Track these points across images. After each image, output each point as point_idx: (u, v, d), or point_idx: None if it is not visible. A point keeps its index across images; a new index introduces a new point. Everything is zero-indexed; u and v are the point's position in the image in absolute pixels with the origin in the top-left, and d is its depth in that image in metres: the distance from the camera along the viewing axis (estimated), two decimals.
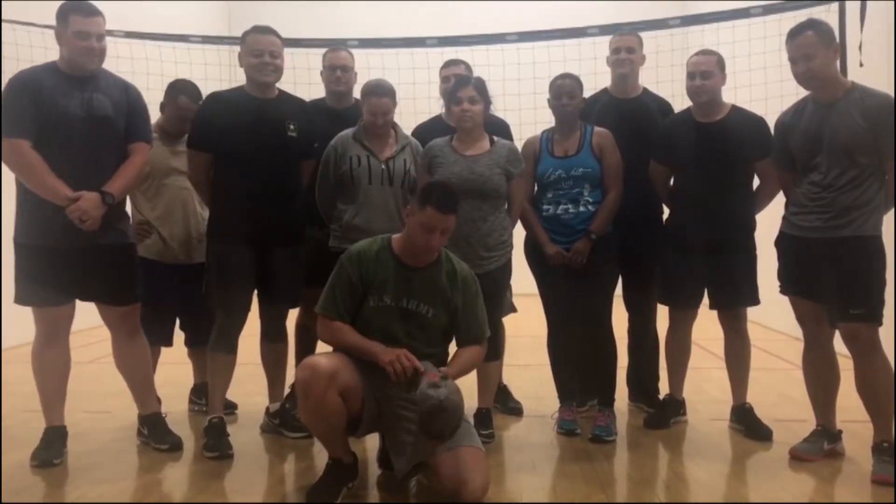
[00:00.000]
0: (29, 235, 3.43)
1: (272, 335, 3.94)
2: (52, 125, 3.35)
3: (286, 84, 3.89)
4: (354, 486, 3.14)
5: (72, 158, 3.37)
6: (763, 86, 5.46)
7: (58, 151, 3.35)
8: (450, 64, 4.43)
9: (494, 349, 3.73)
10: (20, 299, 3.48)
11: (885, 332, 3.34)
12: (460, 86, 3.75)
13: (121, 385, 3.79)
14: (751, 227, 3.94)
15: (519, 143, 4.02)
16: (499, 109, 4.08)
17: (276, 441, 3.88)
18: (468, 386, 3.10)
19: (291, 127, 3.72)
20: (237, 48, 3.81)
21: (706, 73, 3.81)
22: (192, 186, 4.04)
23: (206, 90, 3.95)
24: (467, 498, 2.90)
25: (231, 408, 4.24)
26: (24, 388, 4.05)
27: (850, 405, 3.61)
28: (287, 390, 4.01)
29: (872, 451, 3.33)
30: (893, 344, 3.62)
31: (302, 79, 4.79)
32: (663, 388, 4.22)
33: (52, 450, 3.49)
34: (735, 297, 3.92)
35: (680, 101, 4.17)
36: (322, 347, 3.48)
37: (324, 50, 4.43)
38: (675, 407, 4.11)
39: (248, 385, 4.40)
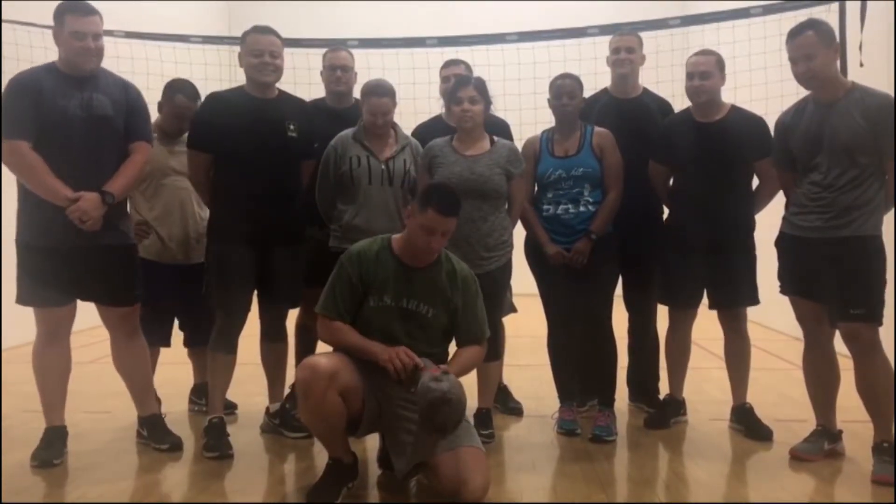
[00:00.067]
0: (31, 236, 3.43)
1: (272, 335, 3.94)
2: (52, 126, 3.35)
3: (286, 84, 3.89)
4: (354, 487, 3.14)
5: (72, 158, 3.37)
6: (763, 86, 5.46)
7: (58, 152, 3.35)
8: (450, 64, 4.43)
9: (494, 349, 3.73)
10: (22, 299, 3.48)
11: (885, 332, 3.34)
12: (460, 86, 3.75)
13: (121, 385, 3.79)
14: (750, 226, 3.94)
15: (519, 143, 4.02)
16: (499, 109, 4.08)
17: (276, 441, 3.88)
18: (468, 386, 3.09)
19: (291, 127, 3.72)
20: (237, 48, 3.81)
21: (705, 73, 3.81)
22: (190, 186, 4.04)
23: (206, 90, 3.95)
24: (467, 498, 2.90)
25: (231, 408, 4.24)
26: (24, 388, 4.05)
27: (850, 405, 3.61)
28: (287, 390, 4.01)
29: (873, 451, 3.33)
30: (893, 344, 3.62)
31: (302, 79, 4.79)
32: (663, 388, 4.22)
33: (52, 450, 3.49)
34: (734, 296, 3.92)
35: (680, 101, 4.17)
36: (322, 347, 3.48)
37: (324, 50, 4.43)
38: (675, 407, 4.11)
39: (249, 385, 4.40)
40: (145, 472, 3.48)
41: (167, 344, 4.22)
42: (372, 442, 3.55)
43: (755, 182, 3.96)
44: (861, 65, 4.47)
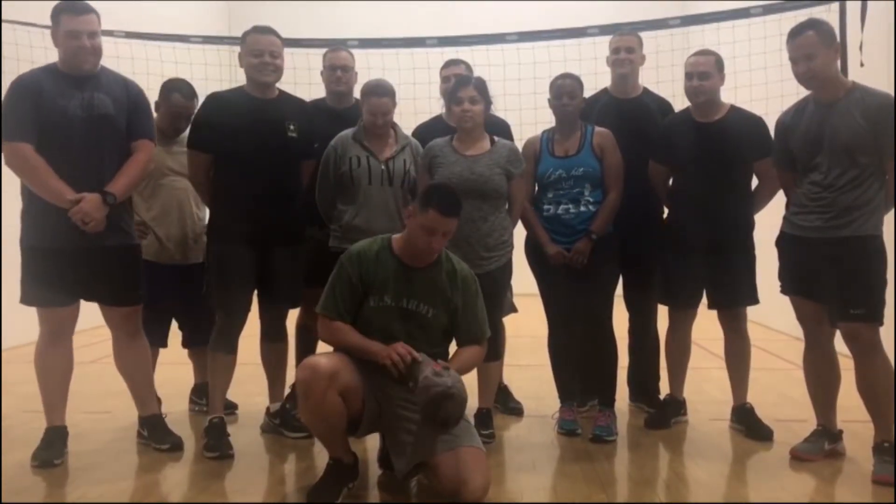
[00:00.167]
0: (36, 238, 3.43)
1: (272, 335, 3.93)
2: (53, 126, 3.35)
3: (286, 84, 3.89)
4: (355, 487, 3.13)
5: (73, 159, 3.37)
6: (763, 86, 5.46)
7: (59, 152, 3.35)
8: (450, 64, 4.43)
9: (495, 349, 3.73)
10: (26, 300, 3.48)
11: (885, 332, 3.34)
12: (461, 86, 3.75)
13: (122, 385, 3.79)
14: (749, 226, 3.94)
15: (519, 143, 4.02)
16: (499, 109, 4.08)
17: (276, 441, 3.88)
18: (468, 386, 3.09)
19: (291, 127, 3.72)
20: (237, 48, 3.81)
21: (704, 73, 3.81)
22: (187, 186, 4.04)
23: (206, 90, 3.95)
24: (468, 498, 2.90)
25: (231, 408, 4.24)
26: (25, 388, 4.05)
27: (850, 405, 3.61)
28: (287, 390, 4.01)
29: (873, 451, 3.33)
30: (894, 344, 3.62)
31: (302, 79, 4.79)
32: (664, 388, 4.22)
33: (52, 450, 3.49)
34: (734, 296, 3.92)
35: (680, 101, 4.17)
36: (322, 347, 3.48)
37: (324, 50, 4.43)
38: (675, 407, 4.11)
39: (249, 385, 4.40)
40: (145, 472, 3.48)
41: (164, 345, 4.22)
42: (372, 442, 3.55)
43: (755, 182, 3.96)
44: (861, 65, 4.47)
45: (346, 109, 4.23)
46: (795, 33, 3.35)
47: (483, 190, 3.69)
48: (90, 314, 3.68)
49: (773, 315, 5.04)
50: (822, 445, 3.53)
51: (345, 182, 3.83)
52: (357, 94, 4.12)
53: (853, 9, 4.60)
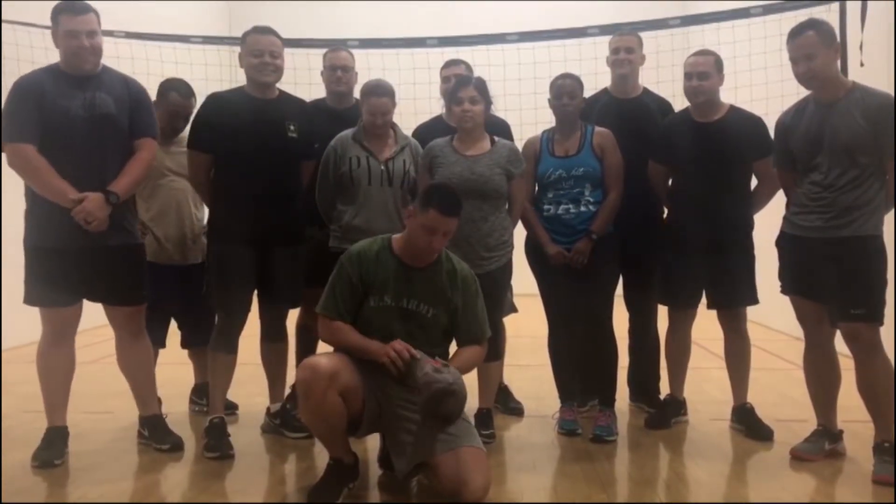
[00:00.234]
0: (39, 238, 3.43)
1: (272, 335, 3.93)
2: (55, 126, 3.35)
3: (286, 84, 3.89)
4: (355, 487, 3.14)
5: (75, 159, 3.37)
6: (763, 86, 5.46)
7: (61, 152, 3.35)
8: (450, 64, 4.43)
9: (495, 349, 3.73)
10: (29, 300, 3.48)
11: (885, 332, 3.34)
12: (461, 86, 3.75)
13: (122, 385, 3.79)
14: (749, 226, 3.94)
15: (519, 143, 4.02)
16: (499, 109, 4.08)
17: (276, 441, 3.88)
18: (469, 386, 3.09)
19: (292, 127, 3.72)
20: (237, 48, 3.81)
21: (703, 73, 3.81)
22: (186, 186, 4.04)
23: (206, 90, 3.95)
24: (468, 498, 2.90)
25: (232, 408, 4.24)
26: (25, 388, 4.06)
27: (850, 405, 3.61)
28: (288, 390, 4.01)
29: (873, 451, 3.33)
30: (894, 344, 3.62)
31: (302, 79, 4.79)
32: (664, 388, 4.22)
33: (53, 450, 3.49)
34: (733, 296, 3.92)
35: (680, 101, 4.16)
36: (323, 347, 3.48)
37: (324, 50, 4.43)
38: (675, 407, 4.11)
39: (249, 385, 4.40)
40: (146, 472, 3.48)
41: (162, 345, 4.21)
42: (372, 442, 3.55)
43: (755, 182, 3.96)
44: (861, 65, 4.48)
45: (346, 110, 4.23)
46: (795, 33, 3.35)
47: (483, 190, 3.69)
48: (91, 314, 3.67)
49: (773, 315, 5.04)
50: (823, 445, 3.53)
51: (344, 182, 3.83)
52: (357, 94, 4.12)
53: (853, 9, 4.60)
